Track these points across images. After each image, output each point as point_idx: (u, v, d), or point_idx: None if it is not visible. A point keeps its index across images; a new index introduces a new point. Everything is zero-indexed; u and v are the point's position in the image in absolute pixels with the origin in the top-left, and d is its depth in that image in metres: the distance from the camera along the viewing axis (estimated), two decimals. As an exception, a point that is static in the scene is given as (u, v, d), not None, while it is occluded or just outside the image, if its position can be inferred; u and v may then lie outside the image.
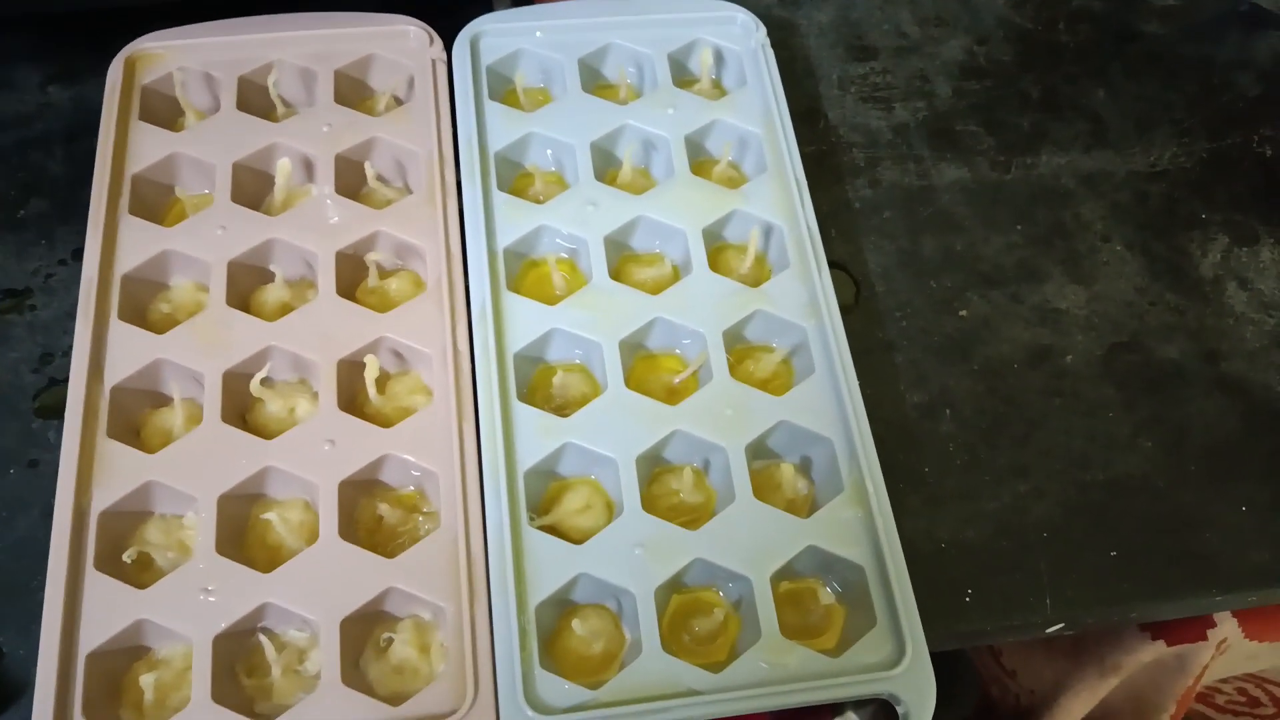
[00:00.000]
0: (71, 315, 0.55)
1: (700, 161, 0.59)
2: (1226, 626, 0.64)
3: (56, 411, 0.52)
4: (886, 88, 0.66)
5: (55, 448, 0.51)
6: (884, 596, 0.46)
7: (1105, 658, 0.68)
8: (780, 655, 0.44)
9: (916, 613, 0.45)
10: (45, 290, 0.56)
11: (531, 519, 0.47)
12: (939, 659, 0.45)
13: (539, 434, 0.49)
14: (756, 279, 0.55)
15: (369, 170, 0.55)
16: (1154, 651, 0.65)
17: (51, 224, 0.58)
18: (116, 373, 0.49)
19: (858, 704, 0.76)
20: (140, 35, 0.58)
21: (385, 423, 0.49)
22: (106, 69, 0.58)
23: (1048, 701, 0.73)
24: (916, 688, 0.44)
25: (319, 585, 0.45)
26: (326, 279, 0.52)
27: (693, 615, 0.47)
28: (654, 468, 0.50)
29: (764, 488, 0.49)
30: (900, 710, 0.44)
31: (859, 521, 0.47)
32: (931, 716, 0.44)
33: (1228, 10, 0.71)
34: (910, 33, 0.69)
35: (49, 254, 0.57)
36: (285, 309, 0.52)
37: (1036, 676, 0.75)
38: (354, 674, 0.44)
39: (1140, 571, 0.52)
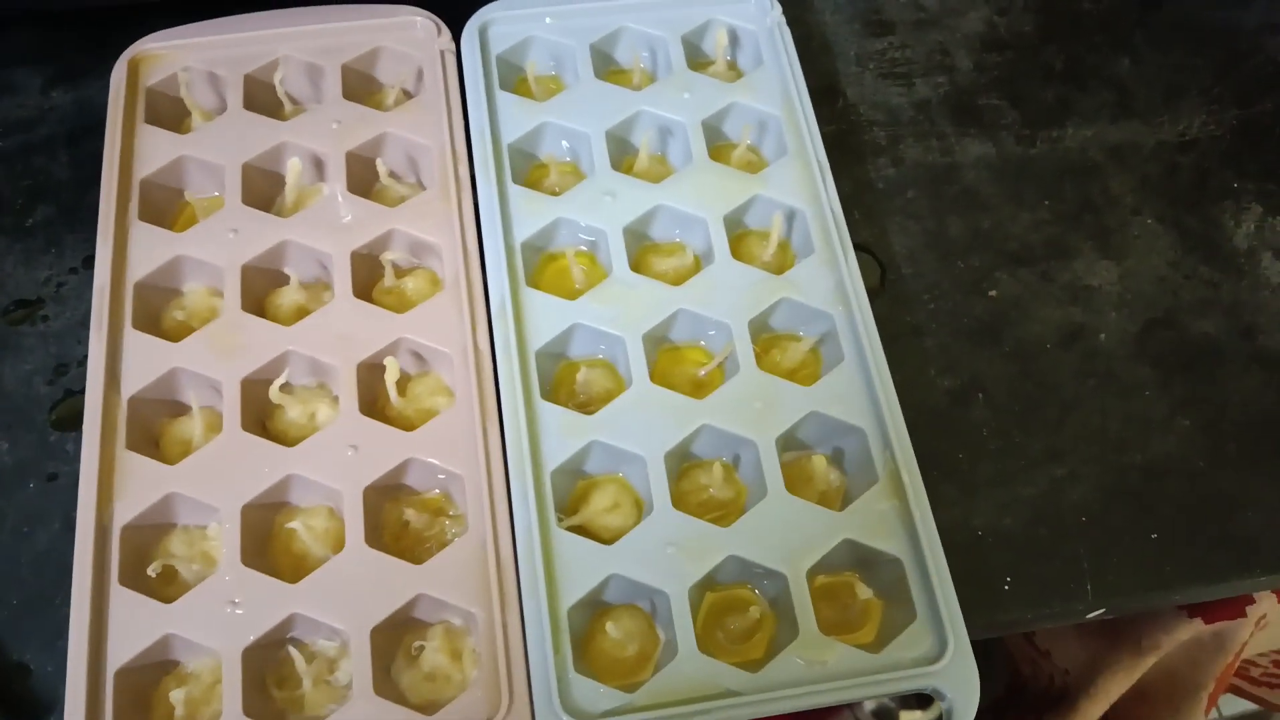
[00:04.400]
0: (84, 324, 0.54)
1: (718, 146, 0.57)
2: (1266, 603, 0.63)
3: (73, 423, 0.51)
4: (906, 63, 0.65)
5: (73, 460, 0.50)
6: (923, 589, 0.45)
7: (1142, 637, 0.67)
8: (819, 652, 0.43)
9: (957, 605, 0.44)
10: (57, 299, 0.55)
11: (560, 519, 0.46)
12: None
13: (564, 433, 0.48)
14: (780, 266, 0.53)
15: (381, 167, 0.54)
16: (1192, 630, 0.64)
17: (59, 231, 0.57)
18: (133, 383, 0.48)
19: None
20: (139, 34, 0.57)
21: (407, 425, 0.48)
22: (107, 69, 0.56)
23: (1083, 682, 0.72)
24: (960, 682, 0.43)
25: (348, 594, 0.44)
26: (342, 280, 0.51)
27: (727, 614, 0.46)
28: (682, 463, 0.49)
29: (795, 481, 0.48)
30: (944, 705, 0.43)
31: (895, 513, 0.46)
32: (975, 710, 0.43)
33: (1254, -28, 0.69)
34: (928, 5, 0.67)
35: (58, 262, 0.56)
36: (301, 312, 0.51)
37: (1070, 657, 0.74)
38: (386, 683, 0.43)
39: (1182, 554, 0.51)
